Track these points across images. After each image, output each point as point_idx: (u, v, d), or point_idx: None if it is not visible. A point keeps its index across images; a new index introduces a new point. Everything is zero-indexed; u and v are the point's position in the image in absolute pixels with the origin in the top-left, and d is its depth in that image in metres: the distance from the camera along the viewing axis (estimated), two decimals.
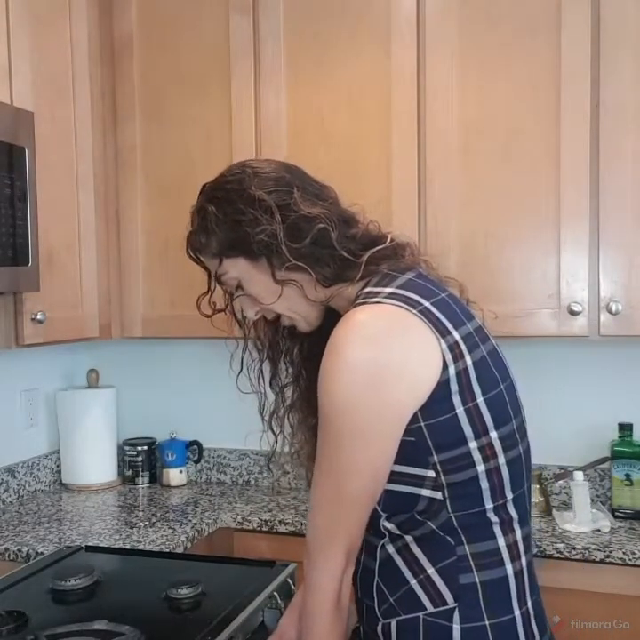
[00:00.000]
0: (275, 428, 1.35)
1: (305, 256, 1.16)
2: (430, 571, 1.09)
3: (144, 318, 2.31)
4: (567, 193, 1.93)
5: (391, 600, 1.12)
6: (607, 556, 1.81)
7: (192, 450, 2.56)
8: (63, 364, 2.59)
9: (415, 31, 2.01)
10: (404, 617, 1.10)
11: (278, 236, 1.15)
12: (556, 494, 2.20)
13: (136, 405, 2.65)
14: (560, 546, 1.85)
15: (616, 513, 2.04)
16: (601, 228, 1.92)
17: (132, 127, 2.28)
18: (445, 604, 1.08)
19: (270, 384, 1.36)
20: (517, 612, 1.10)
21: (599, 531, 1.93)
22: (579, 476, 2.00)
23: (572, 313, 1.92)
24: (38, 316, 1.87)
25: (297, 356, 1.35)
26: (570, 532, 1.93)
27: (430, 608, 1.09)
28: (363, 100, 2.07)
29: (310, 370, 1.30)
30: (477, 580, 1.08)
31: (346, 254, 1.17)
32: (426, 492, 1.08)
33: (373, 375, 1.03)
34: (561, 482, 2.17)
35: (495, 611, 1.09)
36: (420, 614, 1.09)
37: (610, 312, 1.90)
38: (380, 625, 1.13)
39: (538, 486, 2.07)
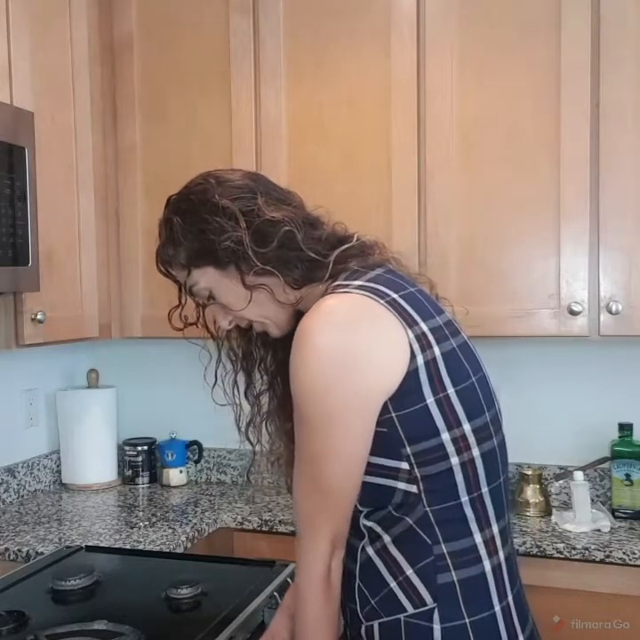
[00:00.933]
0: (252, 439, 1.36)
1: (272, 260, 1.17)
2: (409, 572, 1.10)
3: (144, 318, 2.31)
4: (567, 193, 1.93)
5: (372, 602, 1.13)
6: (607, 556, 1.81)
7: (192, 450, 2.56)
8: (63, 364, 2.59)
9: (415, 31, 2.01)
10: (385, 619, 1.11)
11: (244, 242, 1.16)
12: (555, 494, 2.20)
13: (136, 405, 2.65)
14: (560, 546, 1.85)
15: (616, 513, 2.04)
16: (601, 228, 1.92)
17: (131, 127, 2.28)
18: (425, 604, 1.09)
19: (245, 394, 1.36)
20: (497, 608, 1.11)
21: (599, 531, 1.93)
22: (579, 475, 2.00)
23: (572, 313, 1.92)
24: (38, 316, 1.87)
25: (271, 363, 1.36)
26: (570, 532, 1.93)
27: (410, 609, 1.09)
28: (363, 100, 2.07)
29: (285, 376, 1.30)
30: (455, 579, 1.09)
31: (313, 255, 1.18)
32: (401, 485, 1.09)
33: (341, 359, 1.05)
34: (561, 482, 2.17)
35: (474, 608, 1.09)
36: (401, 616, 1.10)
37: (610, 312, 1.90)
38: (362, 627, 1.14)
39: (538, 486, 2.07)
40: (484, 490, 1.12)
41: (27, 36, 1.86)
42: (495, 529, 1.13)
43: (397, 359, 1.06)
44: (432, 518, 1.09)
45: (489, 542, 1.12)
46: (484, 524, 1.11)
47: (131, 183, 2.29)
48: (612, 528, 1.94)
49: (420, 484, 1.08)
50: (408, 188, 2.04)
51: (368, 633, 1.13)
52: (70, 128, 2.07)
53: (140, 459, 2.52)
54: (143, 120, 2.28)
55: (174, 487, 2.48)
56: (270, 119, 2.15)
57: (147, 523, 2.08)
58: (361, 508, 1.13)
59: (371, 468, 1.10)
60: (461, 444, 1.09)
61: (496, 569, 1.12)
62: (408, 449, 1.07)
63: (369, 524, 1.13)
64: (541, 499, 2.07)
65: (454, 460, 1.08)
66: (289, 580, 1.57)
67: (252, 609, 1.43)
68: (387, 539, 1.12)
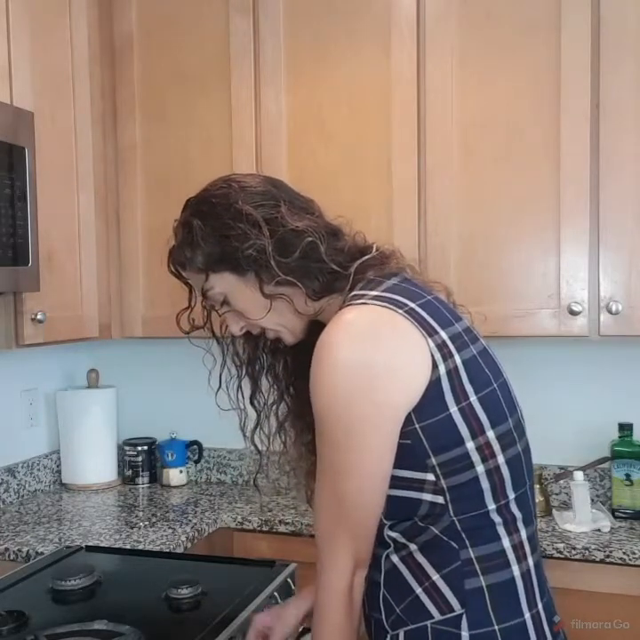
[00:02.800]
0: (258, 445, 1.34)
1: (294, 270, 1.16)
2: (435, 577, 1.08)
3: (144, 318, 2.31)
4: (567, 193, 1.93)
5: (398, 611, 1.11)
6: (607, 556, 1.81)
7: (192, 450, 2.56)
8: (63, 364, 2.59)
9: (415, 31, 2.01)
10: (411, 627, 1.09)
11: (267, 251, 1.15)
12: (555, 494, 2.20)
13: (136, 405, 2.65)
14: (560, 546, 1.85)
15: (616, 513, 2.04)
16: (601, 228, 1.92)
17: (132, 127, 2.28)
18: (452, 610, 1.07)
19: (251, 401, 1.35)
20: (527, 615, 1.09)
21: (599, 531, 1.93)
22: (579, 475, 2.00)
23: (572, 313, 1.92)
24: (38, 316, 1.87)
25: (282, 372, 1.34)
26: (570, 532, 1.93)
27: (437, 616, 1.07)
28: (363, 100, 2.07)
29: (298, 386, 1.30)
30: (483, 584, 1.07)
31: (335, 267, 1.17)
32: (427, 497, 1.07)
33: (362, 373, 1.04)
34: (561, 482, 2.17)
35: (504, 614, 1.07)
36: (428, 623, 1.08)
37: (610, 312, 1.90)
38: (388, 637, 1.12)
39: (538, 486, 2.07)
40: (511, 496, 1.10)
41: (27, 36, 1.86)
42: (523, 534, 1.11)
43: (419, 370, 1.04)
44: (459, 526, 1.07)
45: (517, 547, 1.10)
46: (511, 528, 1.10)
47: (131, 183, 2.29)
48: (612, 528, 1.94)
49: (447, 494, 1.07)
50: (408, 187, 2.04)
51: None
52: (70, 128, 2.07)
53: (140, 459, 2.52)
54: (143, 120, 2.28)
55: (174, 487, 2.48)
56: (270, 119, 2.15)
57: (147, 523, 2.08)
58: (385, 521, 1.11)
59: (395, 482, 1.08)
60: (486, 452, 1.07)
61: (525, 575, 1.10)
62: (433, 460, 1.06)
63: (393, 534, 1.12)
64: (541, 499, 2.07)
65: (480, 469, 1.07)
66: (289, 580, 1.57)
67: (252, 609, 1.42)
68: (412, 547, 1.10)
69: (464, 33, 1.99)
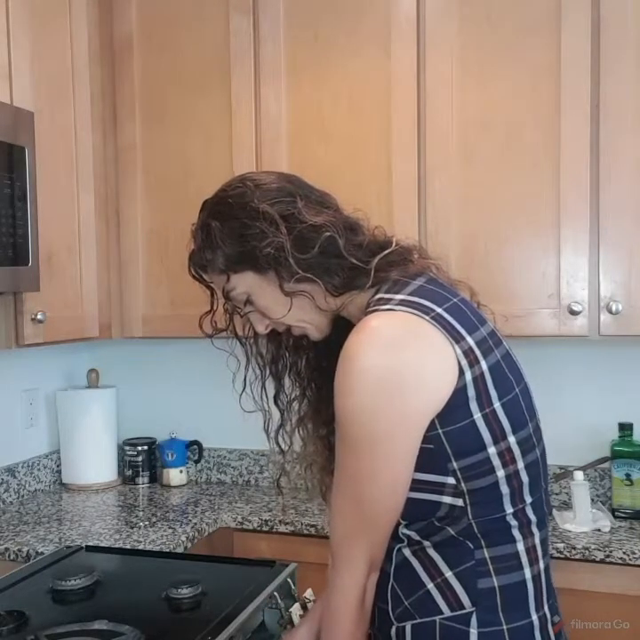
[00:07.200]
0: (282, 445, 1.34)
1: (313, 266, 1.15)
2: (448, 574, 1.08)
3: (144, 318, 2.31)
4: (567, 193, 1.93)
5: (406, 603, 1.11)
6: (607, 556, 1.81)
7: (192, 450, 2.56)
8: (63, 364, 2.59)
9: (415, 31, 2.01)
10: (419, 620, 1.10)
11: (285, 248, 1.14)
12: (556, 494, 2.20)
13: (136, 405, 2.65)
14: (560, 546, 1.85)
15: (616, 513, 2.04)
16: (601, 228, 1.92)
17: (131, 127, 2.28)
18: (463, 608, 1.07)
19: (274, 401, 1.34)
20: (535, 616, 1.10)
21: (599, 530, 1.93)
22: (579, 475, 2.00)
23: (572, 313, 1.92)
24: (38, 316, 1.87)
25: (304, 367, 1.34)
26: (570, 531, 1.93)
27: (447, 612, 1.08)
28: (363, 100, 2.07)
29: (319, 381, 1.30)
30: (496, 585, 1.07)
31: (355, 262, 1.15)
32: (447, 499, 1.07)
33: (388, 382, 1.02)
34: (561, 482, 2.17)
35: (512, 615, 1.08)
36: (437, 618, 1.08)
37: (610, 312, 1.90)
38: (393, 628, 1.12)
39: None
40: (528, 501, 1.11)
41: (27, 36, 1.85)
42: (537, 538, 1.12)
43: (445, 377, 1.03)
44: (475, 528, 1.08)
45: (530, 550, 1.10)
46: (526, 532, 1.10)
47: (131, 183, 2.29)
48: (612, 528, 1.94)
49: (467, 497, 1.06)
50: (408, 187, 2.04)
51: (399, 634, 1.11)
52: (70, 128, 2.07)
53: (140, 459, 2.52)
54: (143, 120, 2.28)
55: (174, 487, 2.48)
56: (270, 119, 2.15)
57: (147, 523, 2.08)
58: (402, 520, 1.11)
59: (415, 484, 1.07)
60: (507, 457, 1.07)
61: (536, 578, 1.11)
62: (454, 464, 1.05)
63: (408, 532, 1.11)
64: None
65: (500, 473, 1.07)
66: (289, 580, 1.57)
67: (252, 609, 1.42)
68: (426, 543, 1.10)
69: (464, 33, 1.99)
